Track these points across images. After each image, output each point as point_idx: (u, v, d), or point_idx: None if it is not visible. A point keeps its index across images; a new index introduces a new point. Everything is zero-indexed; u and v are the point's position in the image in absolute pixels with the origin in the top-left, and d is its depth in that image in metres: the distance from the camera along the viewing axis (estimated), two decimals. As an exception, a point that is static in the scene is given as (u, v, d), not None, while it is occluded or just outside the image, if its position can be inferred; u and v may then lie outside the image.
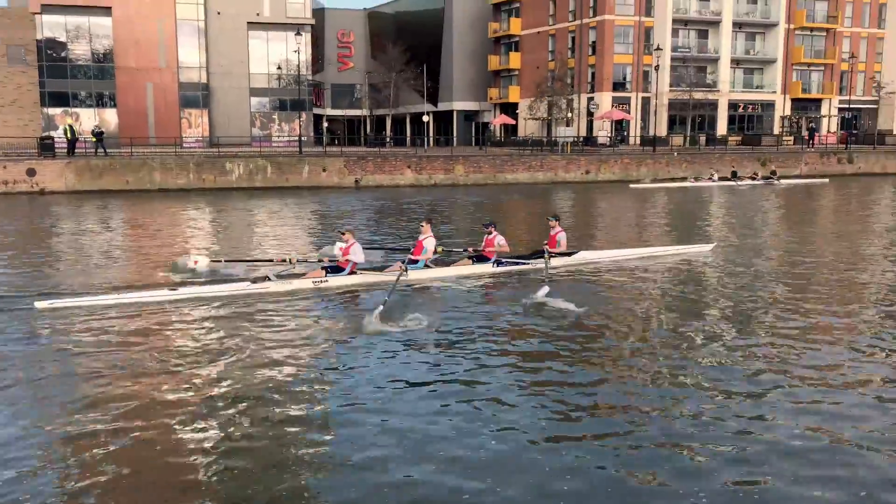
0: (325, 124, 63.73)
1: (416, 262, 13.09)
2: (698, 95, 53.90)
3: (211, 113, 51.92)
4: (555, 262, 13.87)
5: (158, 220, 24.56)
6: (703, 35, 58.34)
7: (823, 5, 60.89)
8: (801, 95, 60.80)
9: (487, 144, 56.68)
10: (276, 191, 34.87)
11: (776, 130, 58.60)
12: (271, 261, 13.21)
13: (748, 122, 60.24)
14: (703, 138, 54.51)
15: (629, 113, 55.48)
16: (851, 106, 60.61)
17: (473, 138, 65.86)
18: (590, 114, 56.16)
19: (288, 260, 12.86)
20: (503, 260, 13.86)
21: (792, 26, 59.47)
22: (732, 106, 59.07)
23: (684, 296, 12.41)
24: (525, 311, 10.98)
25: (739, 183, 38.45)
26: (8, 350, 9.07)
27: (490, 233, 13.90)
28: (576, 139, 52.31)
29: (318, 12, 65.73)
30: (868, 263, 15.87)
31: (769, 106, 60.34)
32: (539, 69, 59.35)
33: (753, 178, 39.39)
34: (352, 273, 12.63)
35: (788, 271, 14.86)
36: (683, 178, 40.06)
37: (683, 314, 11.11)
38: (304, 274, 12.66)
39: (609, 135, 53.57)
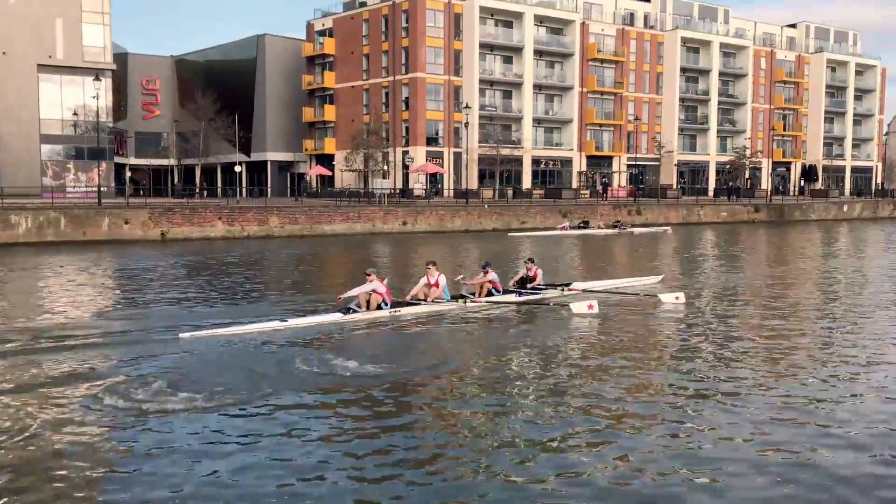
0: (129, 174, 60.05)
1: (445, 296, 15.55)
2: (505, 151, 57.07)
3: (-7, 160, 47.14)
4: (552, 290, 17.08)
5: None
6: (507, 95, 62.15)
7: (611, 72, 67.29)
8: (594, 153, 66.33)
9: (303, 195, 56.19)
10: (71, 245, 32.07)
11: (574, 184, 63.28)
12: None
13: (550, 176, 64.58)
14: (510, 191, 57.57)
15: (442, 166, 57.50)
16: (638, 163, 67.12)
17: (289, 189, 65.01)
18: (405, 166, 57.55)
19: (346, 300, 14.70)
20: (521, 291, 16.64)
21: (585, 90, 65.06)
22: (536, 162, 63.13)
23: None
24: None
25: (593, 231, 43.03)
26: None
27: (486, 272, 16.13)
28: (392, 191, 53.26)
29: (120, 57, 62.40)
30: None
31: (568, 162, 65.17)
32: (354, 122, 60.12)
33: (605, 227, 43.92)
34: (397, 305, 14.95)
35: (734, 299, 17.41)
36: (553, 227, 43.62)
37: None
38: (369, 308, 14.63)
39: (424, 187, 55.10)
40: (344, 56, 62.87)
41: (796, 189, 78.83)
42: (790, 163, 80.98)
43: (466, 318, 15.01)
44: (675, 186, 67.14)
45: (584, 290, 17.13)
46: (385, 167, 57.26)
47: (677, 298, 16.10)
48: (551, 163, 64.85)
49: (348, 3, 65.14)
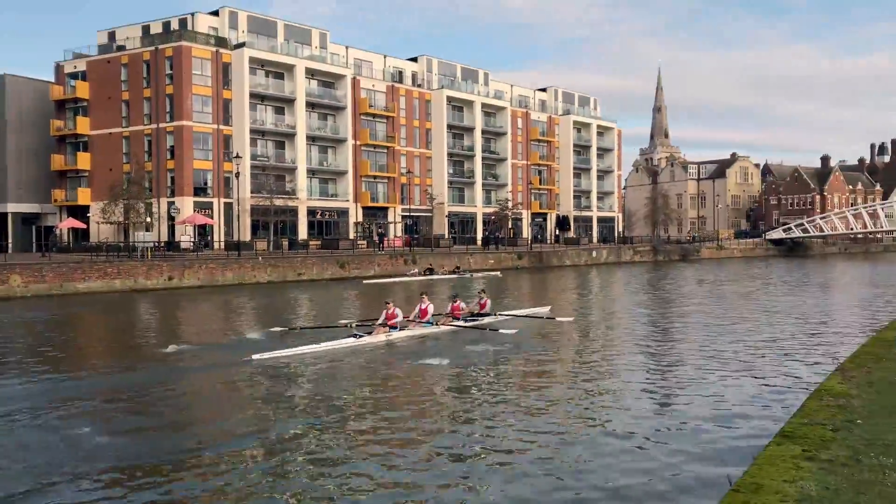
0: None
1: (428, 321, 20.30)
2: (279, 202, 56.01)
3: None
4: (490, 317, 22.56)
5: None
6: (280, 146, 61.40)
7: (383, 126, 69.27)
8: (370, 204, 67.43)
9: (52, 250, 50.74)
10: None
11: (351, 235, 63.66)
12: (336, 326, 20.57)
13: (326, 227, 64.42)
14: (286, 243, 56.49)
15: (212, 218, 55.05)
16: (412, 213, 69.22)
17: (34, 244, 58.42)
18: (171, 218, 54.29)
19: (349, 325, 19.90)
20: (468, 317, 21.64)
21: (358, 143, 66.25)
22: (311, 212, 62.71)
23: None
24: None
25: (437, 276, 47.47)
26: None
27: (455, 301, 22.02)
28: (156, 244, 49.92)
29: None
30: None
31: (344, 213, 65.53)
32: (113, 171, 55.87)
33: (448, 272, 49.01)
34: (402, 328, 19.46)
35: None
36: (404, 274, 48.21)
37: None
38: (371, 332, 19.00)
39: (192, 239, 52.28)
40: (100, 101, 58.43)
41: (552, 238, 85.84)
42: (546, 214, 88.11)
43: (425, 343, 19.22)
44: (447, 236, 70.05)
45: (510, 316, 23.06)
46: (148, 219, 53.54)
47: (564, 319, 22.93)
48: (327, 213, 64.77)
49: (104, 45, 60.94)
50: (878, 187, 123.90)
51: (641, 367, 15.77)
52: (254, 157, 58.29)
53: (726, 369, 15.19)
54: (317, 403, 12.20)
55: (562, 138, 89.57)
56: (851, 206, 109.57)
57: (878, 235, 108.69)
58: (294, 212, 59.62)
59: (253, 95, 58.47)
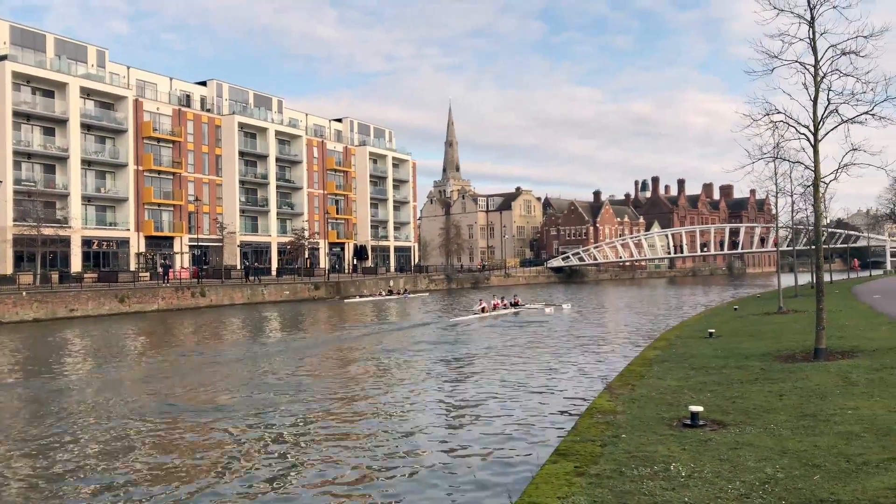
0: None
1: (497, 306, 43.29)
2: (48, 231, 50.90)
3: None
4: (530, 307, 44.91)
5: None
6: (50, 170, 55.99)
7: (169, 152, 65.58)
8: (154, 233, 63.26)
9: None
10: None
11: (133, 266, 59.28)
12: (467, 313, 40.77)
13: (104, 258, 59.46)
14: (56, 276, 51.29)
15: (-35, 249, 48.73)
16: (201, 244, 65.96)
17: None
18: (-89, 249, 47.28)
19: (472, 310, 42.67)
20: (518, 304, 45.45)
21: (141, 168, 62.13)
22: (87, 242, 57.62)
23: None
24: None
25: (394, 297, 60.59)
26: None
27: (502, 300, 45.14)
28: None
29: None
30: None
31: (124, 243, 60.92)
32: None
33: (399, 293, 63.61)
34: (487, 312, 40.56)
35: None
36: (381, 293, 62.67)
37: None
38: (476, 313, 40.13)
39: (-61, 274, 45.86)
40: None
41: (350, 267, 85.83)
42: (344, 243, 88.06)
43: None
44: (238, 267, 67.44)
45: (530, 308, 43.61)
46: None
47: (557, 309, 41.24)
48: (105, 243, 59.84)
49: None
50: (641, 220, 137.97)
51: (435, 390, 16.11)
52: (18, 181, 52.68)
53: (513, 392, 15.95)
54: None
55: (358, 169, 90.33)
56: (620, 236, 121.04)
57: (643, 263, 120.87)
58: (66, 242, 54.43)
59: (17, 114, 53.01)
